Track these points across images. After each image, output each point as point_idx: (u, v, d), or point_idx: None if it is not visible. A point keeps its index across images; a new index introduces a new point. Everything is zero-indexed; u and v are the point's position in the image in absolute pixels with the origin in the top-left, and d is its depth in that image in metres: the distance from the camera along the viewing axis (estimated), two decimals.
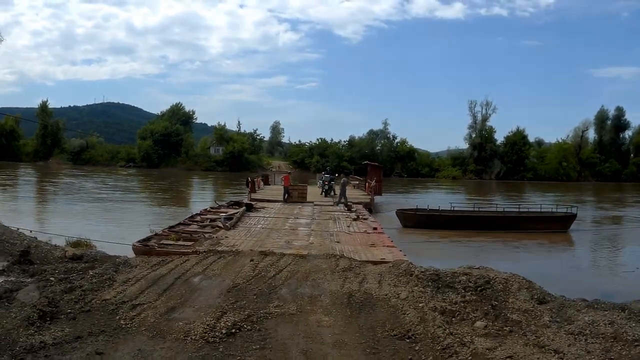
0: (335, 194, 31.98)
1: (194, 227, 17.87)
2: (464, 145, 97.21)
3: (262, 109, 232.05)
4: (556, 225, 26.42)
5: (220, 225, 17.93)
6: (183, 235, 16.04)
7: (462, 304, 9.24)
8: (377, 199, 33.66)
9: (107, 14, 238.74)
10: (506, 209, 28.99)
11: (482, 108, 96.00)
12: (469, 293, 9.89)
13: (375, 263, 12.39)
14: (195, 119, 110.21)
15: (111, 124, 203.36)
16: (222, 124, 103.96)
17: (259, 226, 18.84)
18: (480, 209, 28.38)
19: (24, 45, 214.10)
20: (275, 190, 34.08)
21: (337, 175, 37.30)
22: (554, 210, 28.83)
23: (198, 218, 20.09)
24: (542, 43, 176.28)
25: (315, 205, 26.98)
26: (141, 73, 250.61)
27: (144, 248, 13.80)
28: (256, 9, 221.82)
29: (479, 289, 10.14)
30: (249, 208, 23.30)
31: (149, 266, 10.86)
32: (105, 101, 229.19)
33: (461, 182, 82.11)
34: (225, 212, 21.34)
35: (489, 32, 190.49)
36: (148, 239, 15.09)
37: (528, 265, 17.07)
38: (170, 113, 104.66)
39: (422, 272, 10.56)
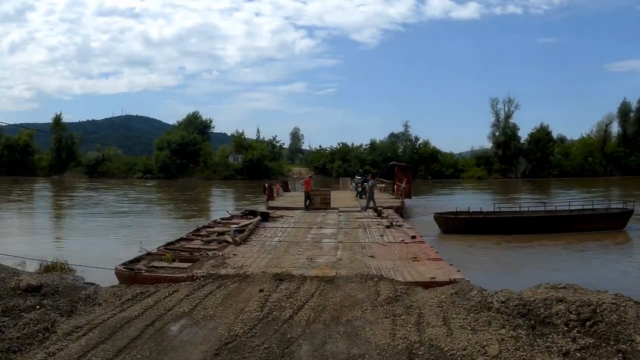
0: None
1: (197, 243, 14.81)
2: (488, 145, 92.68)
3: (281, 116, 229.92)
4: (612, 224, 22.72)
5: (229, 239, 14.81)
6: (182, 253, 12.97)
7: (578, 354, 5.98)
8: (407, 202, 30.36)
9: (123, 26, 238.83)
10: (557, 208, 25.30)
11: (504, 105, 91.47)
12: (577, 333, 6.69)
13: (425, 285, 9.24)
14: (213, 127, 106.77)
15: (130, 137, 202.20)
16: (240, 131, 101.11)
17: (275, 239, 15.68)
18: (529, 209, 24.78)
19: (40, 61, 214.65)
20: (296, 197, 30.94)
21: (367, 177, 34.19)
22: (608, 207, 25.16)
23: (204, 232, 17.01)
24: (557, 39, 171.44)
25: (340, 212, 23.82)
26: (159, 85, 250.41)
27: (128, 273, 10.75)
28: (272, 16, 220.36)
29: (587, 323, 6.99)
30: (265, 218, 20.17)
31: (118, 303, 7.81)
32: (124, 114, 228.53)
33: (487, 182, 78.00)
34: (237, 224, 18.23)
35: (505, 31, 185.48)
36: (137, 260, 12.06)
37: (609, 276, 13.75)
38: (187, 122, 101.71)
39: (502, 302, 7.28)
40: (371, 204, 24.24)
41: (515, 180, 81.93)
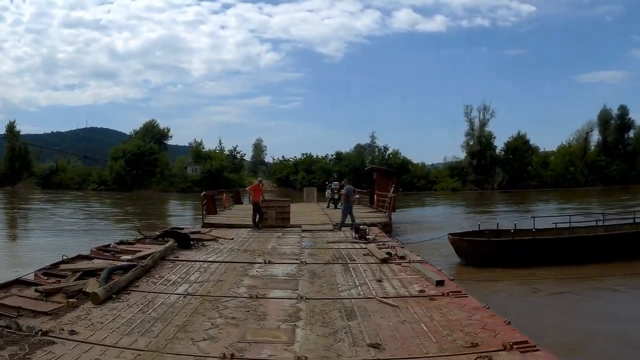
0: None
1: (48, 283, 7.18)
2: (462, 155, 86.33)
3: (246, 130, 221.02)
4: None
5: (92, 287, 7.28)
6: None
7: None
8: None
9: (88, 38, 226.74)
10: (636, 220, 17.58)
11: (479, 112, 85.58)
12: None
13: None
14: (171, 137, 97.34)
15: (94, 150, 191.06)
16: (199, 140, 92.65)
17: (179, 289, 8.02)
18: (605, 223, 17.11)
19: (6, 72, 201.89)
20: (248, 210, 23.25)
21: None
22: None
23: (78, 262, 9.39)
24: (525, 51, 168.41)
25: (304, 231, 16.34)
26: (124, 97, 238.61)
27: None
28: (237, 29, 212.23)
29: None
30: (184, 243, 12.39)
31: None
32: (88, 126, 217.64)
33: (462, 194, 71.58)
34: (135, 253, 10.58)
35: (473, 43, 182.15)
36: None
37: None
38: (143, 131, 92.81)
39: None
40: (348, 220, 16.89)
41: (491, 191, 75.81)
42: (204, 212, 19.58)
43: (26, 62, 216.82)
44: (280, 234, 15.72)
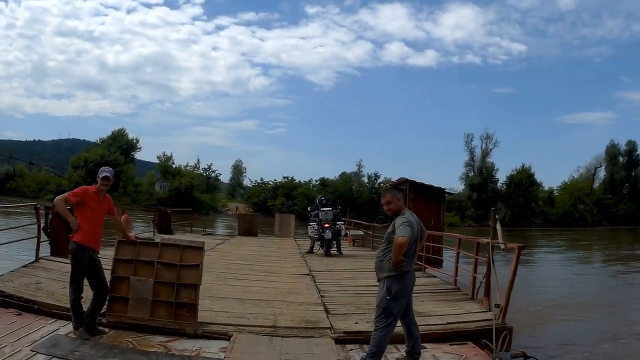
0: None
1: None
2: (460, 187, 75.89)
3: (230, 153, 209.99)
4: None
5: None
6: None
7: None
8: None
9: (80, 49, 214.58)
10: None
11: (481, 141, 75.81)
12: None
13: None
14: (139, 149, 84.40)
15: None
16: (168, 154, 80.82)
17: None
18: None
19: None
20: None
21: (339, 209, 15.42)
22: None
23: None
24: (514, 90, 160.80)
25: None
26: (111, 111, 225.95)
27: None
28: (229, 52, 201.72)
29: None
30: None
31: None
32: (71, 137, 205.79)
33: (459, 230, 60.33)
34: None
35: (463, 79, 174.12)
36: None
37: None
38: (110, 140, 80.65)
39: None
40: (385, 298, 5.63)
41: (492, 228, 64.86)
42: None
43: (16, 68, 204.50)
44: None
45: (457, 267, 9.78)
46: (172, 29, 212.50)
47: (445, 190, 16.60)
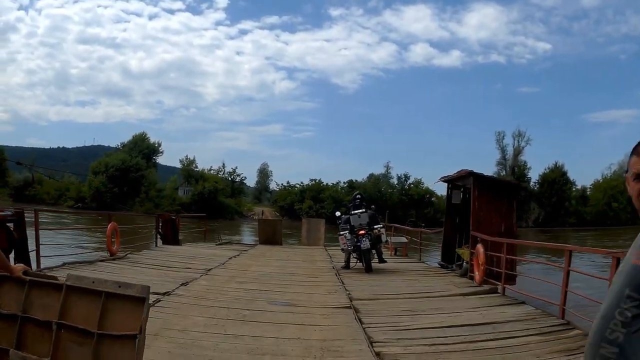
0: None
1: None
2: None
3: (256, 157, 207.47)
4: None
5: None
6: None
7: None
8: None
9: (103, 55, 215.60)
10: None
11: (513, 139, 71.61)
12: None
13: None
14: (161, 153, 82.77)
15: None
16: (191, 158, 78.72)
17: None
18: None
19: (18, 84, 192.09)
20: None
21: (374, 208, 12.16)
22: None
23: None
24: (539, 89, 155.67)
25: None
26: (136, 117, 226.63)
27: None
28: (253, 56, 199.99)
29: None
30: None
31: None
32: (96, 144, 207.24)
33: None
34: None
35: (488, 79, 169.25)
36: None
37: None
38: (131, 145, 78.63)
39: None
40: None
41: (526, 229, 61.01)
42: None
43: (38, 76, 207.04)
44: None
45: (565, 293, 6.74)
46: (195, 35, 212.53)
47: (521, 186, 13.32)
